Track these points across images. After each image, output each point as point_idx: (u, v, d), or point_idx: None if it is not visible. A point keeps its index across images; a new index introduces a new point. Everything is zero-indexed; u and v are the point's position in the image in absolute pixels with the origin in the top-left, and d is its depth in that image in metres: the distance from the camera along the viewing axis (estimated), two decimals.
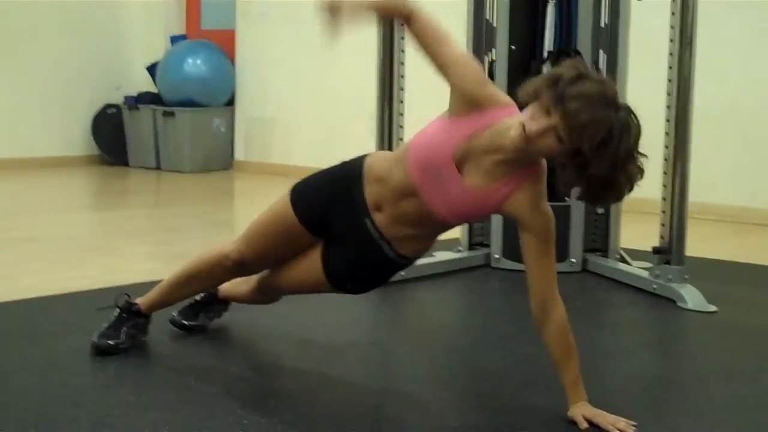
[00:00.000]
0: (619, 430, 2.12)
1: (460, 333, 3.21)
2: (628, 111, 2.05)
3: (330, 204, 2.39)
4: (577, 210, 3.87)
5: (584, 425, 2.14)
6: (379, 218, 2.32)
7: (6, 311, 3.09)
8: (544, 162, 2.18)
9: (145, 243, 4.67)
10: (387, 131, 3.64)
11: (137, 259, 4.21)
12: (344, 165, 2.44)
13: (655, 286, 3.50)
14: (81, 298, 3.25)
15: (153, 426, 2.10)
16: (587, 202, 2.17)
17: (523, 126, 2.05)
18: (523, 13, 3.93)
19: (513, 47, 3.90)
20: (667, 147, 3.47)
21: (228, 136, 8.03)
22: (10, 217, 5.35)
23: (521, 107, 2.12)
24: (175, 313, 2.81)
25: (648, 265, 3.68)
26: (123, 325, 2.61)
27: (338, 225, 2.38)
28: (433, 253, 3.91)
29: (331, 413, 2.27)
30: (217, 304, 2.85)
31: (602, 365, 2.68)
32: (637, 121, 2.05)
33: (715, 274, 3.89)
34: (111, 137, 8.15)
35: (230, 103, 8.05)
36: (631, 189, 2.10)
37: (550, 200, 2.20)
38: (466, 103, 2.19)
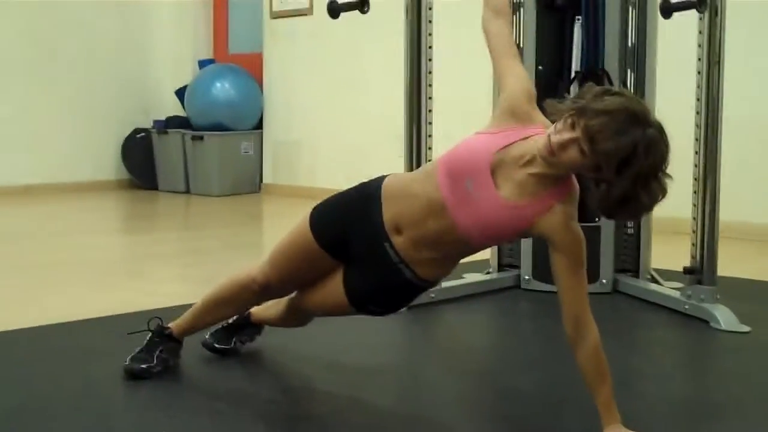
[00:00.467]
0: None
1: (490, 355, 3.19)
2: (660, 129, 2.03)
3: (348, 226, 2.37)
4: (608, 230, 3.85)
5: None
6: (398, 241, 2.30)
7: (36, 335, 3.11)
8: (575, 183, 2.18)
9: (174, 266, 4.70)
10: (416, 151, 3.64)
11: (167, 282, 4.24)
12: (362, 186, 2.42)
13: (686, 307, 3.47)
14: (111, 322, 3.27)
15: None
16: (602, 215, 2.16)
17: (549, 137, 2.08)
18: (550, 33, 3.93)
19: (540, 67, 3.89)
20: (696, 166, 3.45)
21: (256, 159, 8.06)
22: (40, 241, 5.40)
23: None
24: (207, 336, 2.83)
25: (679, 285, 3.66)
26: (155, 349, 2.62)
27: (357, 247, 2.36)
28: (463, 275, 3.91)
29: None
30: (249, 327, 2.86)
31: (635, 386, 2.65)
32: (667, 140, 2.03)
33: (747, 294, 3.85)
34: (140, 161, 8.22)
35: (258, 126, 8.10)
36: (650, 209, 2.08)
37: (580, 221, 2.19)
38: (510, 113, 2.23)
